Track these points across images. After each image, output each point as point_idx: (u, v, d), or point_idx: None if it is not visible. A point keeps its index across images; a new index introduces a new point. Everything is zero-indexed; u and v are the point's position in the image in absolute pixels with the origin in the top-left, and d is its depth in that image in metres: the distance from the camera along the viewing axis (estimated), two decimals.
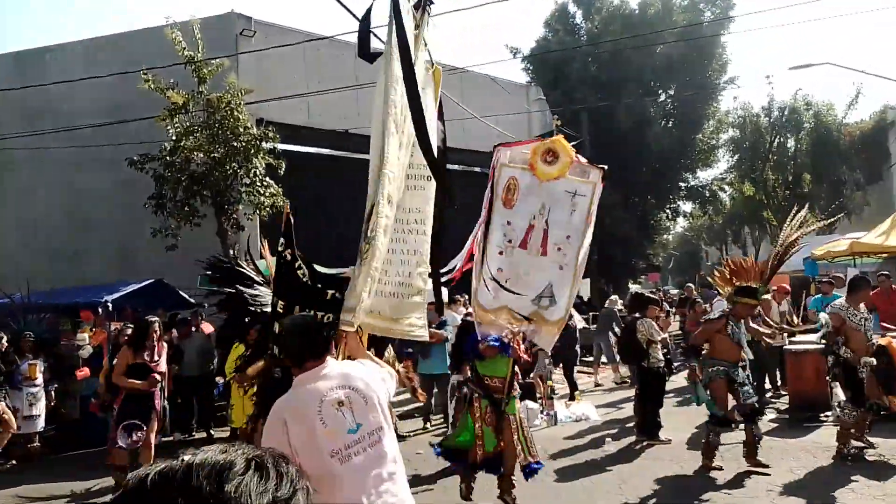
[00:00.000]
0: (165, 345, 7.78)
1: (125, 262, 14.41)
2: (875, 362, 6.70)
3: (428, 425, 9.74)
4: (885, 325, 7.98)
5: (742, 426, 6.84)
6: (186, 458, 0.87)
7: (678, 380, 10.95)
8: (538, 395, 10.06)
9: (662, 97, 26.46)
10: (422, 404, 9.61)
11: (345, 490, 2.58)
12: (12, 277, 11.64)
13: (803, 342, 9.31)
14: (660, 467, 7.14)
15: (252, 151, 11.43)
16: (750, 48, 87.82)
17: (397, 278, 4.07)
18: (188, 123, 11.43)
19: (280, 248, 3.77)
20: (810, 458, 7.09)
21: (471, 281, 5.92)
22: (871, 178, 27.43)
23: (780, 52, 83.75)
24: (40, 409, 9.07)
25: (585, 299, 18.56)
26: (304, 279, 3.70)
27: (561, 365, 11.55)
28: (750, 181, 28.88)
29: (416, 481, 7.01)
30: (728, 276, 6.89)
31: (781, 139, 28.25)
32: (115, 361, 7.36)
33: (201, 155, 11.26)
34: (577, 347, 11.95)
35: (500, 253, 5.68)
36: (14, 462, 8.76)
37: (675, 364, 11.83)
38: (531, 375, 9.81)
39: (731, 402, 6.83)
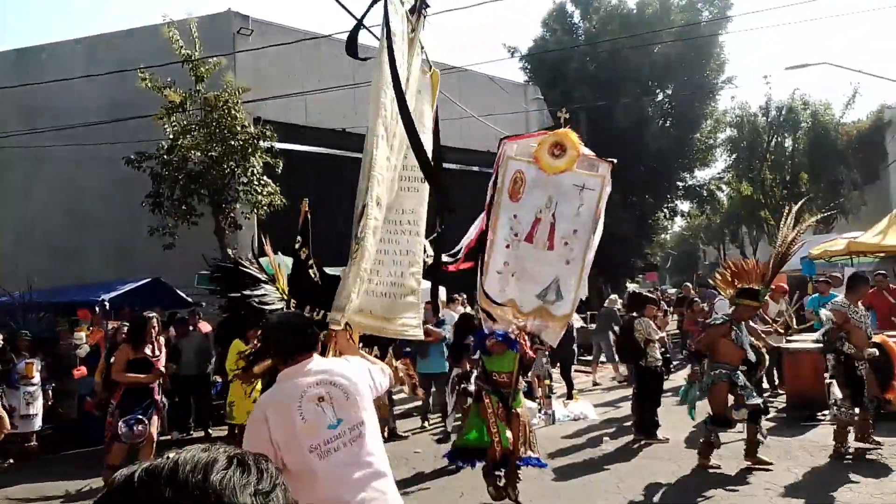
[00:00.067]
0: (164, 341, 7.76)
1: (123, 261, 14.40)
2: (878, 353, 6.72)
3: (426, 424, 9.76)
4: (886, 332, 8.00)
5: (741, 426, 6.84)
6: (171, 455, 0.90)
7: (676, 379, 10.95)
8: (536, 395, 10.06)
9: (660, 97, 26.48)
10: (420, 404, 9.63)
11: (324, 485, 2.56)
12: (10, 275, 11.62)
13: (801, 341, 9.33)
14: (658, 466, 7.14)
15: (249, 150, 11.39)
16: (747, 48, 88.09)
17: (389, 278, 4.06)
18: (185, 122, 11.40)
19: (297, 246, 3.78)
20: (808, 456, 7.10)
21: (469, 279, 5.90)
22: (868, 178, 27.47)
23: (778, 52, 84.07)
24: (37, 408, 9.03)
25: (583, 298, 18.53)
26: (315, 279, 3.71)
27: (558, 364, 11.56)
28: (747, 181, 28.91)
29: (414, 480, 7.02)
30: (730, 279, 6.89)
31: (779, 139, 28.29)
32: (112, 359, 7.32)
33: (199, 153, 11.22)
34: (575, 347, 11.95)
35: (507, 246, 5.65)
36: (11, 461, 8.72)
37: (674, 363, 11.83)
38: (529, 375, 9.79)
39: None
